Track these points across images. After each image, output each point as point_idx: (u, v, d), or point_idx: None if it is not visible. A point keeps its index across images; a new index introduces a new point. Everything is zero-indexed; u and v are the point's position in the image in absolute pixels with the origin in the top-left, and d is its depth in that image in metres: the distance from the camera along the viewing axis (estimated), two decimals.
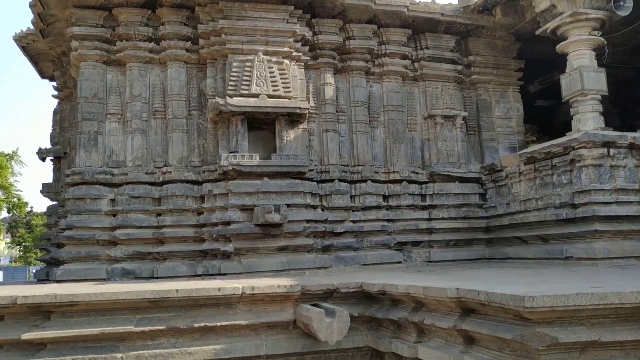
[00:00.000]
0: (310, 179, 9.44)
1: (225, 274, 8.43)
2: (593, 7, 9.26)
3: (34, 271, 35.09)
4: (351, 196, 9.85)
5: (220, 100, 8.73)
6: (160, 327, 5.99)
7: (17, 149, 33.57)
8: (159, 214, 8.98)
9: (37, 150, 10.99)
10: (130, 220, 8.76)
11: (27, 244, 42.77)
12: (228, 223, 8.63)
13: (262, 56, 9.15)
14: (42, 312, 5.85)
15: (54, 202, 11.29)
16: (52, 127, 11.39)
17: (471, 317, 4.98)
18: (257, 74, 9.05)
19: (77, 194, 8.83)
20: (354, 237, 9.67)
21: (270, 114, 9.09)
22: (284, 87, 9.17)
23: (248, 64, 9.08)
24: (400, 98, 10.64)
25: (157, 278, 8.50)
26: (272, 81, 9.10)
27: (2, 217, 37.86)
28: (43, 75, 12.52)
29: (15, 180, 34.19)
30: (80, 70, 9.27)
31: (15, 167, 33.87)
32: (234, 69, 9.06)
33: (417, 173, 10.41)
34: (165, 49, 9.39)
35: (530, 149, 9.41)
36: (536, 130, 16.16)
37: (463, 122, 10.84)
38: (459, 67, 11.05)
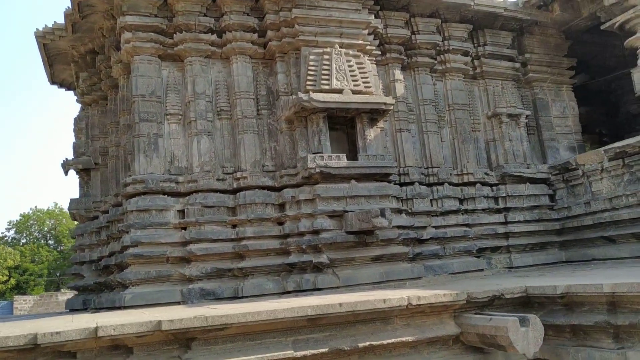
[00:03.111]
0: (392, 182, 8.64)
1: (321, 289, 7.43)
2: None
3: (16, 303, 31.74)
4: (430, 200, 9.12)
5: (303, 96, 7.80)
6: (322, 350, 5.01)
7: None
8: (235, 225, 7.89)
9: (61, 162, 9.59)
10: (205, 233, 7.62)
11: None
12: (317, 232, 7.66)
13: (339, 49, 8.33)
14: (183, 339, 4.73)
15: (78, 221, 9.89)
16: (75, 136, 9.99)
17: None
18: (336, 68, 8.20)
19: (140, 205, 7.60)
20: (438, 244, 8.92)
21: (351, 110, 8.23)
22: (363, 82, 8.36)
23: (326, 57, 8.22)
24: (465, 96, 10.09)
25: (242, 298, 7.40)
26: (352, 76, 8.28)
27: None
28: (53, 80, 11.10)
29: None
30: (134, 65, 8.09)
31: None
32: (310, 63, 8.18)
33: (488, 175, 9.82)
34: (229, 42, 8.37)
35: (617, 144, 9.02)
36: None
37: (526, 121, 10.37)
38: (517, 65, 10.63)
